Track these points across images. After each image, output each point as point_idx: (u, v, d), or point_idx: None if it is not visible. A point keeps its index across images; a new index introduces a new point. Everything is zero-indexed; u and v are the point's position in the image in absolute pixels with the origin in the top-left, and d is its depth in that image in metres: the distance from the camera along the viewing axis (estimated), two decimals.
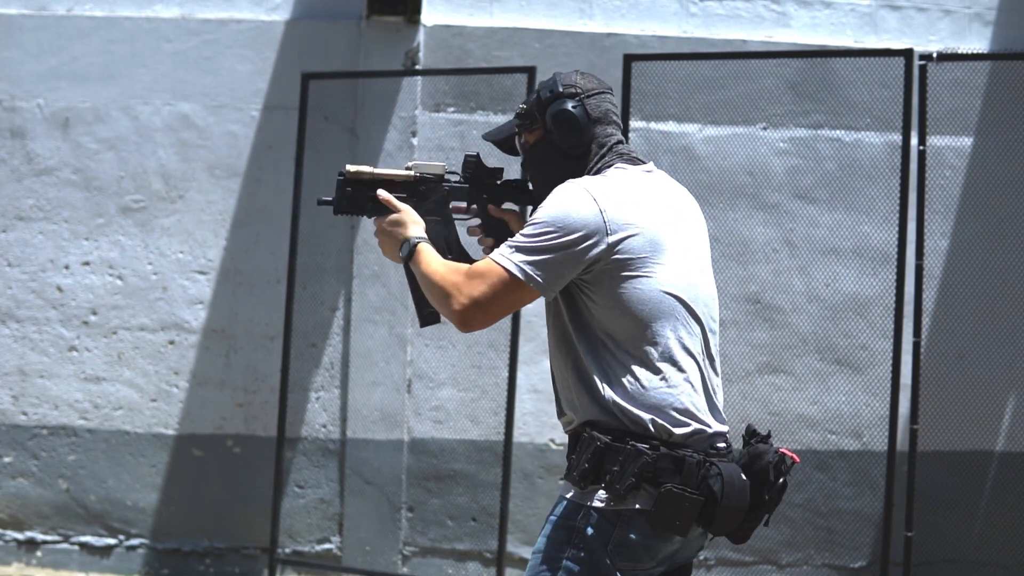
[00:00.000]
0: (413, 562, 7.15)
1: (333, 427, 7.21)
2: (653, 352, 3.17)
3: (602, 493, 3.14)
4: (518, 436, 7.01)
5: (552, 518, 3.20)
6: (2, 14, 7.25)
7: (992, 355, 6.93)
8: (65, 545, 7.25)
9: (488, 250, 3.50)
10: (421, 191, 3.51)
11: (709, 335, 3.27)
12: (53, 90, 7.26)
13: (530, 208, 3.46)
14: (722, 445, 3.21)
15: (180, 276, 7.26)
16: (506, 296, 3.21)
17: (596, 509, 3.14)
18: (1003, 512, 6.86)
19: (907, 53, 6.32)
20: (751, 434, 3.27)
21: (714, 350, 3.28)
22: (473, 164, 3.55)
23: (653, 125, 7.03)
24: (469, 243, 3.52)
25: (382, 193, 3.48)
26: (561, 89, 3.33)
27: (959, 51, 6.94)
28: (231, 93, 7.25)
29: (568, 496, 3.18)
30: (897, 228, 6.32)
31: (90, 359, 7.25)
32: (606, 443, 3.13)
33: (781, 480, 3.20)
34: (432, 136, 7.12)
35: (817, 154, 7.03)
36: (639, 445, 3.12)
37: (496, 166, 3.57)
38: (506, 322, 6.83)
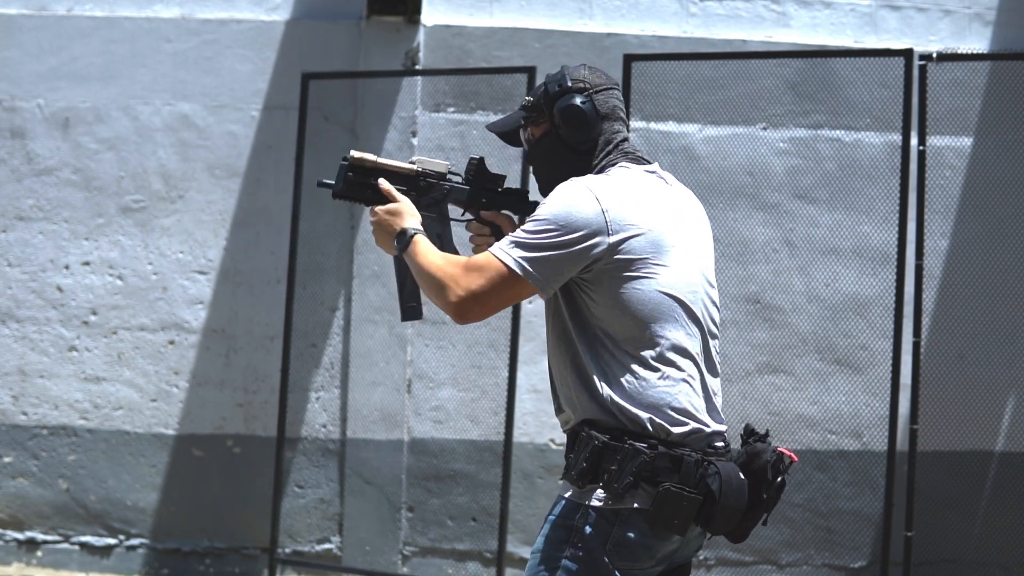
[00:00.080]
0: (413, 562, 7.15)
1: (333, 427, 7.21)
2: (652, 352, 3.17)
3: (600, 492, 3.13)
4: (518, 436, 7.01)
5: (551, 518, 3.20)
6: (2, 14, 7.25)
7: (992, 355, 6.93)
8: (65, 545, 7.25)
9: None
10: (422, 186, 3.52)
11: (709, 337, 3.26)
12: (53, 90, 7.26)
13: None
14: (720, 444, 3.21)
15: (180, 276, 7.26)
16: (503, 290, 3.20)
17: (594, 508, 3.13)
18: (1003, 512, 6.86)
19: (907, 53, 6.32)
20: (749, 433, 3.26)
21: (714, 353, 3.28)
22: (476, 167, 3.54)
23: (653, 125, 7.03)
24: (462, 244, 3.52)
25: (383, 182, 3.48)
26: (570, 83, 3.32)
27: (959, 51, 6.93)
28: (231, 93, 7.25)
29: (566, 495, 3.18)
30: (897, 228, 6.32)
31: (90, 359, 7.25)
32: (604, 442, 3.13)
33: (779, 479, 3.19)
34: (432, 136, 7.12)
35: (817, 154, 7.03)
36: (637, 444, 3.11)
37: (499, 173, 3.56)
38: (506, 322, 6.83)
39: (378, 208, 3.45)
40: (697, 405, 3.19)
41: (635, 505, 3.12)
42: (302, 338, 7.15)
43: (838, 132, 7.03)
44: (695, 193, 3.46)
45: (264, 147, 7.25)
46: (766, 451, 3.20)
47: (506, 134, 3.47)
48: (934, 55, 6.34)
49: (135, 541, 7.25)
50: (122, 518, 7.25)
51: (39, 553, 7.24)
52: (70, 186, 7.26)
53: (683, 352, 3.20)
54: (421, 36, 7.13)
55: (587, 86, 3.32)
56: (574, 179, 3.25)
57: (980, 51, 7.06)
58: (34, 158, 7.27)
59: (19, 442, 7.26)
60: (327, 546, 7.22)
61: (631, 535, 3.12)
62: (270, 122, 7.24)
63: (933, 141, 6.57)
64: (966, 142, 7.02)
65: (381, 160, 3.51)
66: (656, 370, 3.16)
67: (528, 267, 3.18)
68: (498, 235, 3.50)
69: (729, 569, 7.05)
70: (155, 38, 7.26)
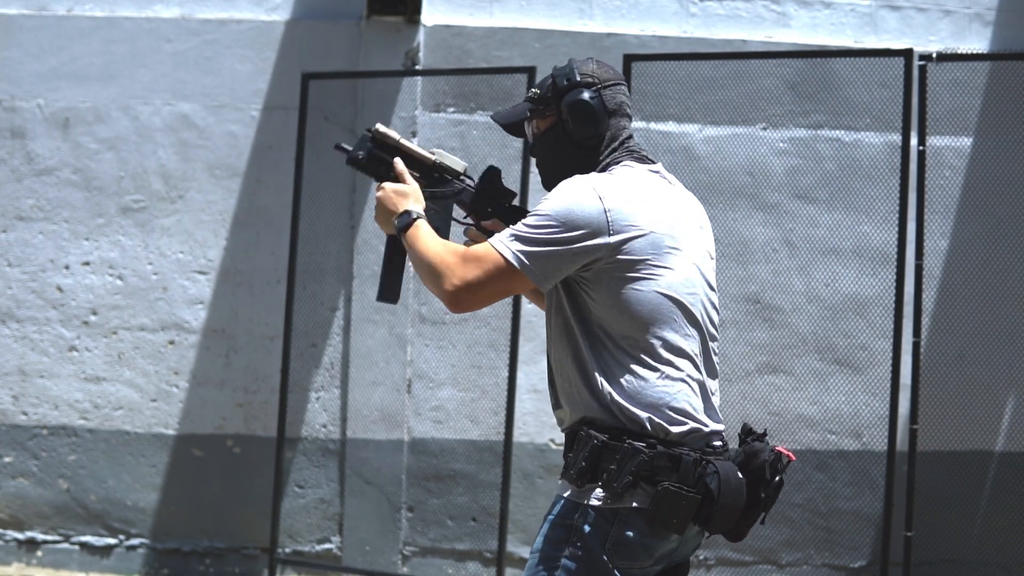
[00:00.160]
0: (413, 562, 7.15)
1: (333, 427, 7.21)
2: (650, 352, 3.17)
3: (599, 491, 3.13)
4: (518, 436, 7.01)
5: (550, 517, 3.20)
6: (2, 14, 7.25)
7: (992, 355, 6.93)
8: (65, 545, 7.25)
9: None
10: (435, 178, 3.52)
11: (708, 339, 3.26)
12: (53, 90, 7.27)
13: None
14: (718, 443, 3.21)
15: (180, 276, 7.26)
16: (499, 282, 3.20)
17: (593, 507, 3.13)
18: (1003, 512, 6.86)
19: (907, 53, 6.32)
20: (747, 433, 3.26)
21: (712, 354, 3.28)
22: (491, 177, 3.54)
23: (653, 125, 7.03)
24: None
25: (398, 162, 3.48)
26: (579, 78, 3.31)
27: (959, 51, 6.93)
28: (231, 93, 7.26)
29: (565, 495, 3.18)
30: (897, 228, 6.32)
31: (90, 359, 7.25)
32: (603, 441, 3.13)
33: (777, 478, 3.20)
34: (432, 136, 7.12)
35: (817, 154, 7.03)
36: (636, 443, 3.11)
37: (511, 190, 3.55)
38: (506, 322, 6.83)
39: (386, 184, 3.45)
40: (695, 405, 3.19)
41: (634, 504, 3.12)
42: (302, 338, 7.15)
43: (838, 132, 7.03)
44: (695, 193, 3.46)
45: (264, 147, 7.25)
46: (764, 450, 3.20)
47: (510, 125, 3.46)
48: (934, 55, 6.34)
49: (135, 541, 7.25)
50: (122, 518, 7.25)
51: (39, 553, 7.25)
52: (70, 186, 7.26)
53: (681, 353, 3.20)
54: (421, 36, 7.13)
55: (596, 81, 3.32)
56: (578, 176, 3.25)
57: (980, 51, 7.06)
58: (34, 158, 7.27)
59: (19, 442, 7.26)
60: (327, 546, 7.22)
61: (630, 534, 3.12)
62: (270, 122, 7.24)
63: (933, 141, 6.57)
64: (966, 142, 7.02)
65: (403, 141, 3.52)
66: (655, 370, 3.17)
67: (526, 261, 3.17)
68: None
69: (729, 569, 7.05)
70: (155, 38, 7.26)
